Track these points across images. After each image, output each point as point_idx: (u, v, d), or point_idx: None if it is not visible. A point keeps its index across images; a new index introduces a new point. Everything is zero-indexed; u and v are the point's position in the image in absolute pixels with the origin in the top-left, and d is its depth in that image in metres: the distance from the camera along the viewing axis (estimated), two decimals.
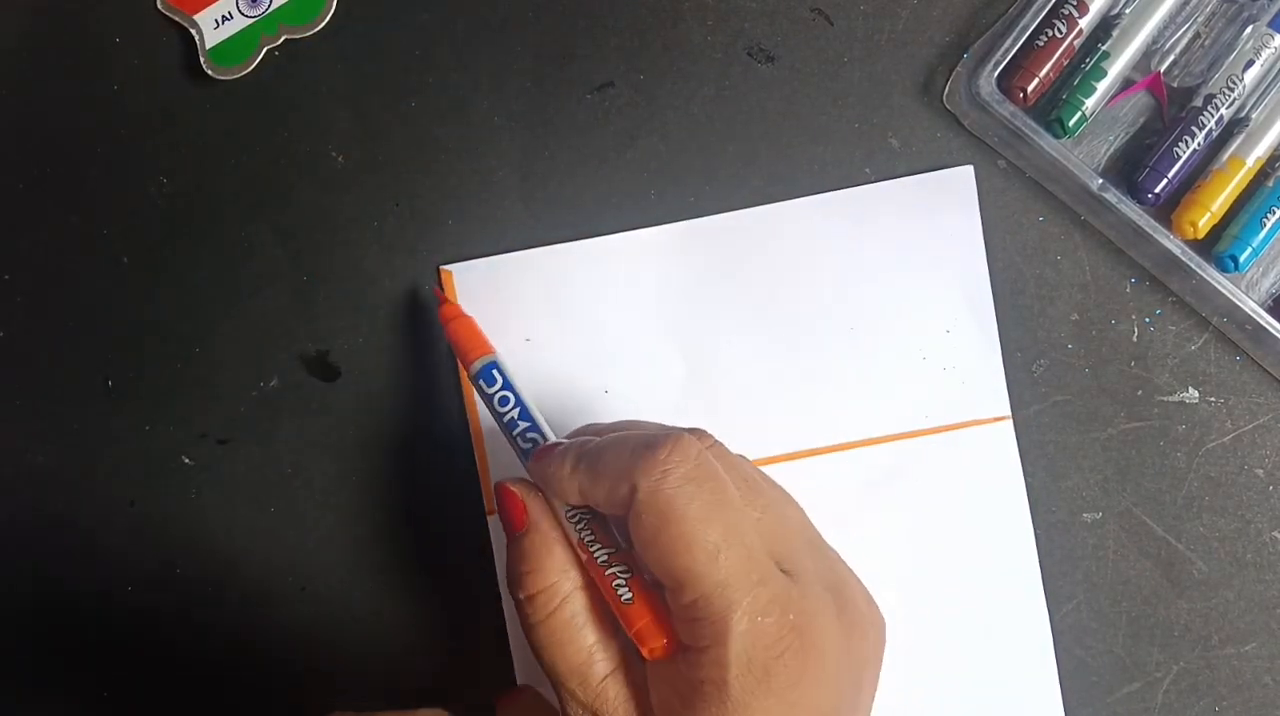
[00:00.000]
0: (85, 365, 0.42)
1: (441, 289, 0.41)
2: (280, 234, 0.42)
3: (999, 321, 0.41)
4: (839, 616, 0.32)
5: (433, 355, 0.42)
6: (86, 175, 0.42)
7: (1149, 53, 0.41)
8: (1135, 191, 0.40)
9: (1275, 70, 0.40)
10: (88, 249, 0.42)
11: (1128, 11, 0.40)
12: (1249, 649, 0.41)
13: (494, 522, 0.41)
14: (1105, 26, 0.40)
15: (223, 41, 0.41)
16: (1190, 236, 0.40)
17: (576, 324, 0.41)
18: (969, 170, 0.41)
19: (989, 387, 0.41)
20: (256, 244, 0.42)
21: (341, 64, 0.42)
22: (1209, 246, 0.40)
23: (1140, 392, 0.41)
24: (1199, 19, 0.41)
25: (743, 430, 0.41)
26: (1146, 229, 0.40)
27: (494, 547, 0.41)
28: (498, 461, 0.41)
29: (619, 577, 0.33)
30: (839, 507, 0.41)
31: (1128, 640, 0.41)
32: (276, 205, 0.42)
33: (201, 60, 0.41)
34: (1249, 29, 0.40)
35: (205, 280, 0.42)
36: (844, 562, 0.35)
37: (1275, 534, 0.41)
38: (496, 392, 0.37)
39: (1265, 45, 0.39)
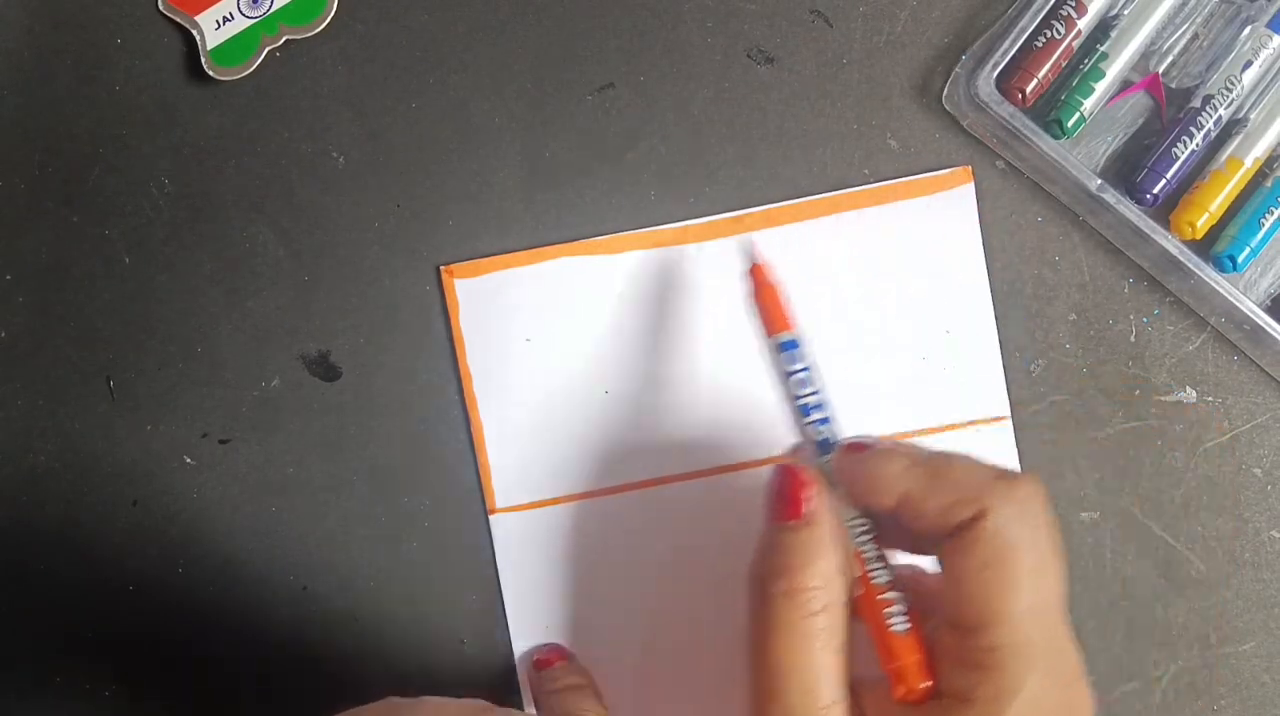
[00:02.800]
0: (85, 365, 0.42)
1: (755, 247, 0.38)
2: (281, 234, 0.42)
3: (997, 322, 0.41)
4: (1090, 703, 0.31)
5: (433, 355, 0.42)
6: (87, 175, 0.42)
7: (1147, 54, 0.41)
8: (1134, 192, 0.40)
9: (1273, 71, 0.40)
10: (88, 249, 0.42)
11: (1126, 13, 0.40)
12: (1247, 648, 0.41)
13: (494, 522, 0.41)
14: (1103, 27, 0.40)
15: (224, 42, 0.41)
16: (1188, 237, 0.40)
17: (576, 324, 0.41)
18: (967, 171, 0.41)
19: (988, 388, 0.41)
20: (257, 244, 0.42)
21: (342, 65, 0.42)
22: (1207, 247, 0.40)
23: (1138, 392, 0.41)
24: (1197, 20, 0.41)
25: (743, 430, 0.41)
26: (1145, 229, 0.40)
27: (494, 547, 0.41)
28: (498, 461, 0.41)
29: (896, 605, 0.31)
30: None
31: (1126, 639, 0.41)
32: (277, 205, 0.42)
33: (202, 61, 0.41)
34: (1247, 30, 0.40)
35: (206, 280, 0.42)
36: None
37: (1273, 533, 0.41)
38: (798, 372, 0.34)
39: (1263, 46, 0.40)
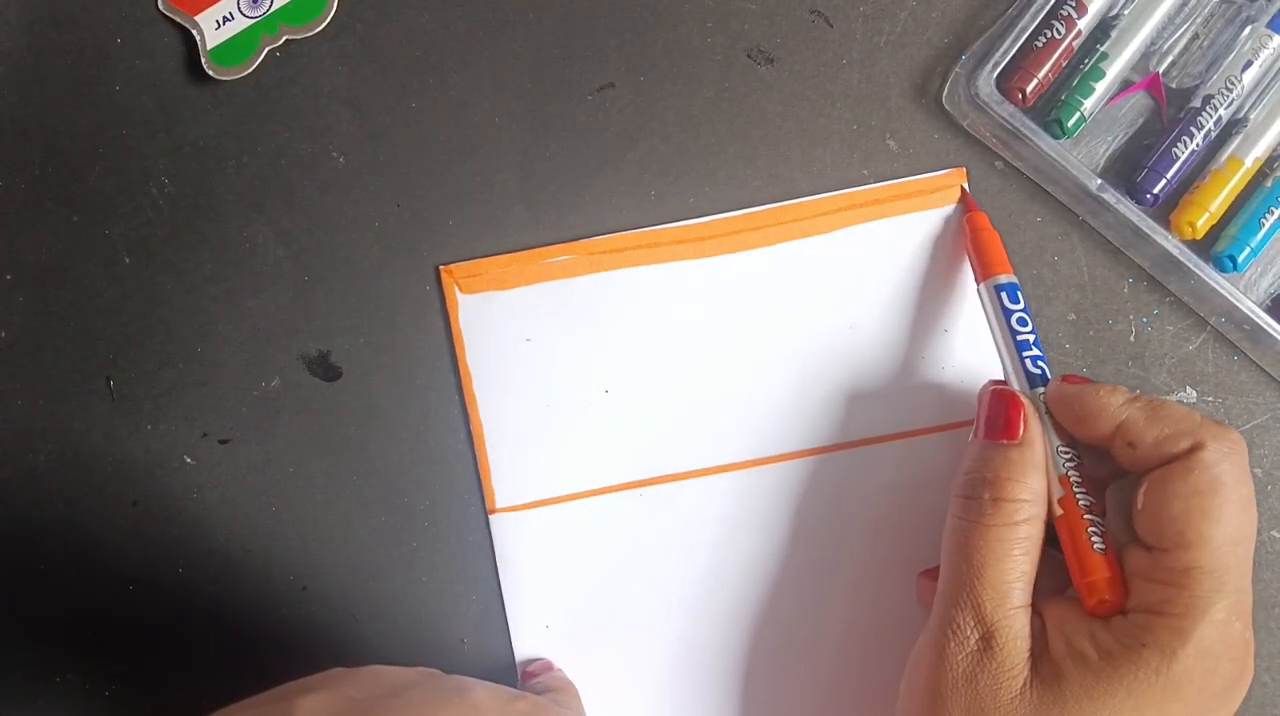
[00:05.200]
0: (85, 365, 0.42)
1: (970, 196, 0.41)
2: (281, 234, 0.42)
3: None
4: (1251, 659, 0.33)
5: (433, 355, 0.42)
6: (87, 175, 0.42)
7: (1147, 54, 0.41)
8: (1134, 192, 0.40)
9: (1273, 71, 0.40)
10: (88, 249, 0.42)
11: (1126, 13, 0.40)
12: None
13: (494, 522, 0.41)
14: (1104, 27, 0.40)
15: (224, 42, 0.41)
16: (1188, 237, 0.40)
17: (576, 324, 0.41)
18: (962, 172, 0.41)
19: None
20: (257, 244, 0.42)
21: (342, 64, 0.42)
22: (1207, 247, 0.40)
23: (1138, 392, 0.41)
24: (1197, 20, 0.41)
25: (743, 430, 0.41)
26: (1145, 229, 0.40)
27: (494, 547, 0.41)
28: (498, 461, 0.41)
29: (1095, 526, 0.34)
30: (839, 507, 0.41)
31: None
32: (277, 205, 0.42)
33: (202, 60, 0.41)
34: (1247, 30, 0.40)
35: (206, 280, 0.42)
36: None
37: (1273, 533, 0.41)
38: (1016, 312, 0.38)
39: (1263, 46, 0.40)
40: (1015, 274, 0.39)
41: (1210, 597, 0.31)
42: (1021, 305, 0.38)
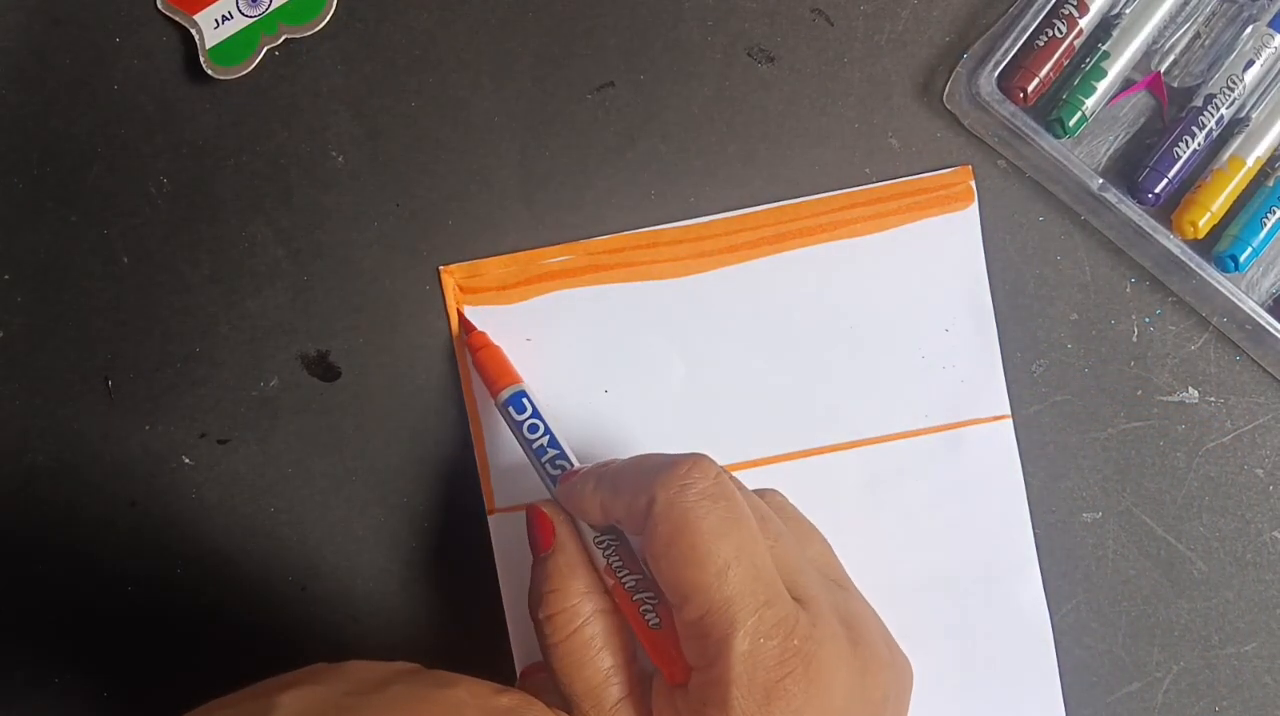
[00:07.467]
0: (84, 365, 0.42)
1: (468, 319, 0.41)
2: (280, 234, 0.42)
3: (999, 321, 0.41)
4: (851, 649, 0.32)
5: (433, 355, 0.42)
6: (86, 174, 0.42)
7: (1149, 53, 0.41)
8: (1135, 191, 0.40)
9: (1275, 70, 0.40)
10: (88, 249, 0.42)
11: (1128, 11, 0.40)
12: (1249, 649, 0.41)
13: (494, 522, 0.41)
14: (1105, 26, 0.40)
15: (223, 41, 0.41)
16: (1190, 236, 0.40)
17: (576, 324, 0.41)
18: (968, 170, 0.41)
19: (988, 387, 0.41)
20: (256, 244, 0.42)
21: (341, 64, 0.42)
22: (1209, 246, 0.40)
23: (1140, 392, 0.41)
24: (1199, 19, 0.41)
25: (742, 430, 0.41)
26: (1147, 229, 0.40)
27: (494, 547, 0.41)
28: (498, 461, 0.41)
29: (646, 603, 0.33)
30: (839, 508, 0.41)
31: (1128, 640, 0.41)
32: (276, 205, 0.42)
33: (201, 60, 0.41)
34: (1249, 29, 0.40)
35: (205, 280, 0.42)
36: (867, 604, 0.35)
37: (1275, 534, 0.41)
38: (526, 421, 0.38)
39: (1265, 45, 0.39)
40: (523, 382, 0.39)
41: (727, 636, 0.30)
42: (529, 412, 0.38)
